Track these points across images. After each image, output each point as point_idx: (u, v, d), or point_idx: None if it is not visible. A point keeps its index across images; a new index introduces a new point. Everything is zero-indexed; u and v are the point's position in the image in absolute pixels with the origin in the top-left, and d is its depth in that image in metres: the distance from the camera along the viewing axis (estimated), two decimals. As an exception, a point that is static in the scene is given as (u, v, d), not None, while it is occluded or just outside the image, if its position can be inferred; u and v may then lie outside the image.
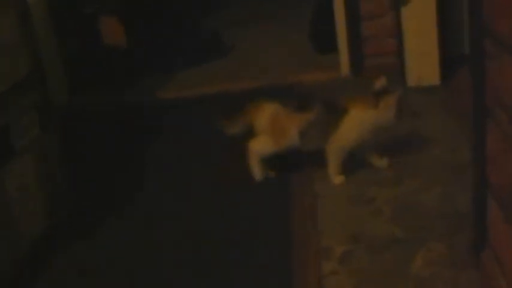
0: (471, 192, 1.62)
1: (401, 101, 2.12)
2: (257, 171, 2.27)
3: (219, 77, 3.66)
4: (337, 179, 2.21)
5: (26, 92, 2.01)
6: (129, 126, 3.11)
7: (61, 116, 2.70)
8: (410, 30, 2.94)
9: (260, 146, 2.24)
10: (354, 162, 2.24)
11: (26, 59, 2.04)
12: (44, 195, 2.07)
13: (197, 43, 4.02)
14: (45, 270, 1.94)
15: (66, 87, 3.59)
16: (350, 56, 3.24)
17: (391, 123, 2.13)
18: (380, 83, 2.12)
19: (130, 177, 2.55)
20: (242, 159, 2.28)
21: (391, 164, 2.26)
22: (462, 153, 2.19)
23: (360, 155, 2.23)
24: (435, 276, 1.65)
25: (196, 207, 2.23)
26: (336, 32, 3.26)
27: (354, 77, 3.22)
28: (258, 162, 2.26)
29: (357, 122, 2.12)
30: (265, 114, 2.21)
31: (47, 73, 2.27)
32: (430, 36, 2.92)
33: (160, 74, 3.81)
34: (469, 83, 1.55)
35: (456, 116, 2.57)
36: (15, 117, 1.93)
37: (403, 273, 1.68)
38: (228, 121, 2.27)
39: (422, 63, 2.95)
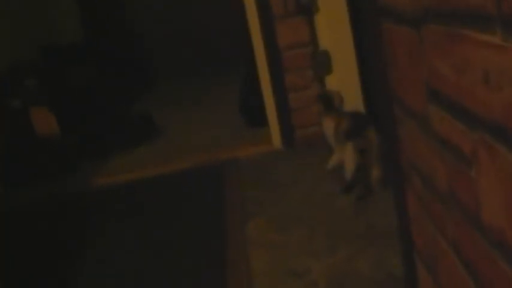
0: (401, 256, 1.60)
1: None
2: None
3: (153, 159, 3.64)
4: None
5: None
6: (64, 218, 3.03)
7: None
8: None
9: None
10: (286, 234, 2.21)
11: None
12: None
13: (129, 127, 4.00)
14: None
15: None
16: (280, 129, 3.26)
17: None
18: None
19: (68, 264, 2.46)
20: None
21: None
22: (395, 216, 2.18)
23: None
24: None
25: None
26: (265, 105, 3.29)
27: (286, 149, 3.23)
28: None
29: None
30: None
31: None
32: (356, 102, 2.97)
33: (94, 160, 3.76)
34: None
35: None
36: None
37: None
38: None
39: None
